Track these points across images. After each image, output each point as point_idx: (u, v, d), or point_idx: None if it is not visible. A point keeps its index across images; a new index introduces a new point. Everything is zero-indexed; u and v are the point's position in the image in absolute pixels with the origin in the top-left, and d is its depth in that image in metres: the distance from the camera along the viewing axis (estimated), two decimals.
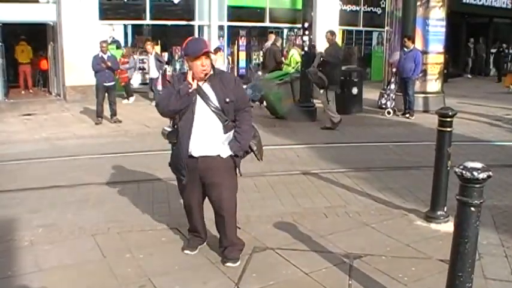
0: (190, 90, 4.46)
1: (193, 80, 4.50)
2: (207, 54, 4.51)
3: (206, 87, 4.59)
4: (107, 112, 13.06)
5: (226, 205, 4.72)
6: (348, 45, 23.13)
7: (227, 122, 4.63)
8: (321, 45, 18.50)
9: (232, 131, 4.66)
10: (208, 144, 4.61)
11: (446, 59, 20.44)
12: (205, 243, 5.17)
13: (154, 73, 15.81)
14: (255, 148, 4.88)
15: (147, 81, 19.71)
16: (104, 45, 13.15)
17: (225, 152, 4.65)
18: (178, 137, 4.63)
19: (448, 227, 5.44)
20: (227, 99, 4.57)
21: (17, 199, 6.89)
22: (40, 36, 18.47)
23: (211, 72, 4.60)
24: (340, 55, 12.22)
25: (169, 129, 4.72)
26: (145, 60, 17.59)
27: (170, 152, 4.89)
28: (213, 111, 4.57)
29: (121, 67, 15.68)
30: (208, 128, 4.60)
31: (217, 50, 16.15)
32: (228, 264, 4.77)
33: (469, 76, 26.89)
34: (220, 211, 4.74)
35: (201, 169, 4.65)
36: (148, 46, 16.12)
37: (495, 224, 5.80)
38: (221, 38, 19.30)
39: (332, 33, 12.36)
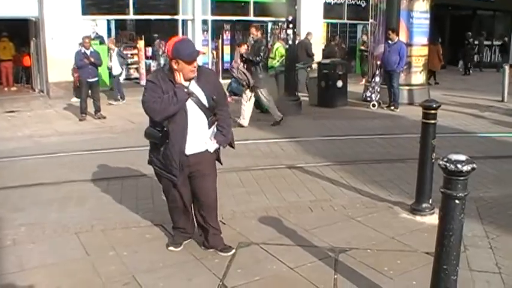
0: (186, 91, 4.45)
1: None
2: (197, 55, 4.54)
3: (194, 86, 4.57)
4: (90, 108, 12.94)
5: (213, 195, 4.83)
6: (332, 36, 23.10)
7: (211, 117, 4.67)
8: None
9: (214, 125, 4.72)
10: (198, 141, 4.63)
11: (438, 52, 20.57)
12: (190, 239, 5.14)
13: (117, 70, 15.58)
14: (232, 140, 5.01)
15: (132, 76, 19.73)
16: (87, 40, 13.03)
17: (212, 146, 4.71)
18: (169, 138, 4.54)
19: (434, 219, 5.42)
20: (214, 96, 4.62)
21: (0, 197, 6.82)
22: (22, 32, 18.28)
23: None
24: (262, 52, 11.46)
25: (157, 131, 4.57)
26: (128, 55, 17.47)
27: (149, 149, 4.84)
28: (201, 108, 4.58)
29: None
30: (197, 126, 4.60)
31: None
32: (228, 253, 4.86)
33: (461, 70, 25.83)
34: (208, 201, 4.80)
35: (191, 165, 4.65)
36: (111, 44, 15.98)
37: (480, 215, 5.82)
38: (205, 32, 19.20)
39: (257, 27, 11.84)
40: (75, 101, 15.14)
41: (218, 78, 5.03)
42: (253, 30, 11.58)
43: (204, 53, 4.80)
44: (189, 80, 4.53)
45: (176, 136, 4.52)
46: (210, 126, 4.69)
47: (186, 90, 4.45)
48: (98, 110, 12.98)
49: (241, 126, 11.32)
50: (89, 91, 12.93)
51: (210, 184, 4.80)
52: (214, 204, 4.89)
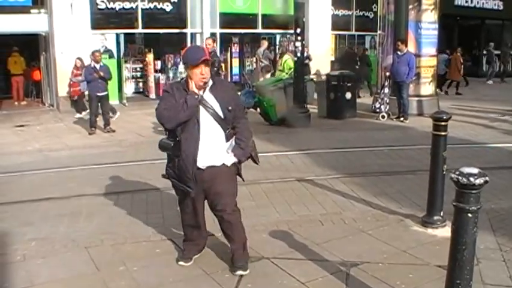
0: (198, 100, 4.43)
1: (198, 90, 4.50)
2: (206, 62, 4.44)
3: (208, 96, 4.54)
4: (100, 122, 13.00)
5: (230, 211, 4.69)
6: (340, 49, 23.12)
7: (228, 130, 4.61)
8: (314, 50, 18.66)
9: (233, 138, 4.65)
10: (213, 154, 4.56)
11: (458, 62, 20.52)
12: (200, 254, 5.10)
13: None
14: (253, 153, 4.86)
15: (141, 89, 19.78)
16: (97, 54, 13.09)
17: (229, 160, 4.63)
18: (182, 149, 4.53)
19: (445, 231, 5.39)
20: (229, 107, 4.55)
21: (9, 212, 6.82)
22: (32, 46, 18.42)
23: (211, 80, 4.57)
24: (216, 64, 11.42)
25: (169, 142, 4.60)
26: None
27: (165, 162, 4.82)
28: (215, 120, 4.52)
29: (73, 79, 15.43)
30: (212, 138, 4.54)
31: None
32: (239, 272, 4.73)
33: (491, 82, 25.06)
34: (227, 218, 4.69)
35: (207, 180, 4.59)
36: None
37: (492, 227, 5.76)
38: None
39: (213, 39, 11.65)
40: (78, 116, 15.18)
41: (235, 89, 5.00)
42: (208, 41, 11.36)
43: (209, 60, 4.64)
44: (203, 88, 4.50)
45: (189, 147, 4.49)
46: (227, 139, 4.62)
47: (196, 97, 4.42)
48: (107, 123, 13.02)
49: None
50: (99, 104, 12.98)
51: (227, 201, 4.66)
52: (234, 221, 4.73)
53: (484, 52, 27.33)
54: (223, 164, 4.61)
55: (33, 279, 4.76)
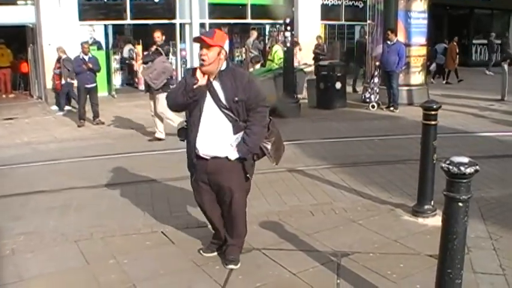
0: (195, 86, 4.31)
1: (203, 76, 4.37)
2: (202, 43, 4.34)
3: (216, 84, 4.40)
4: (89, 114, 12.92)
5: (235, 207, 4.59)
6: (330, 40, 23.12)
7: (237, 122, 4.42)
8: (303, 40, 18.61)
9: (242, 132, 4.45)
10: (216, 144, 4.43)
11: (453, 51, 20.53)
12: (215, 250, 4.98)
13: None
14: (269, 150, 4.63)
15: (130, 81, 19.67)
16: (86, 45, 13.00)
17: (233, 154, 4.46)
18: (188, 134, 4.53)
19: (436, 220, 5.40)
20: (236, 98, 4.35)
21: None
22: (19, 39, 18.26)
23: (224, 67, 4.42)
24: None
25: (183, 126, 4.65)
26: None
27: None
28: (221, 110, 4.39)
29: (55, 71, 15.09)
30: (216, 128, 4.41)
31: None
32: (230, 266, 4.67)
33: (491, 73, 23.99)
34: (229, 213, 4.63)
35: (211, 171, 4.51)
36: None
37: (483, 216, 5.77)
38: None
39: (162, 32, 11.34)
40: (55, 109, 15.05)
41: (254, 81, 4.63)
42: (157, 34, 11.13)
43: (208, 43, 4.47)
44: (212, 75, 4.38)
45: (191, 132, 4.47)
46: (236, 132, 4.44)
47: (195, 82, 4.31)
48: (96, 115, 12.94)
49: (158, 139, 10.48)
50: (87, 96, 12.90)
51: (230, 197, 4.53)
52: (235, 217, 4.63)
53: (485, 42, 27.21)
54: (226, 157, 4.46)
55: (22, 273, 4.71)
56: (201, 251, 4.99)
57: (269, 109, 4.62)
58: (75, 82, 13.74)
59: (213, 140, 4.43)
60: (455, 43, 21.53)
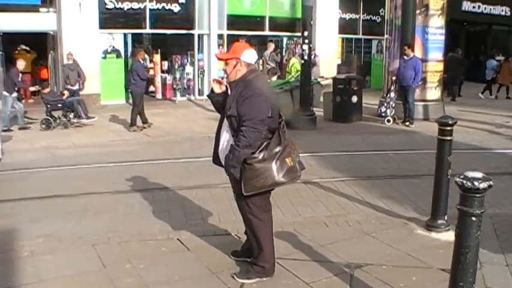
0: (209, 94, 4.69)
1: (220, 86, 4.65)
2: (223, 60, 4.65)
3: (231, 93, 4.51)
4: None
5: (245, 219, 4.67)
6: (347, 53, 23.20)
7: (234, 133, 4.44)
8: (321, 53, 18.69)
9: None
10: (223, 152, 4.55)
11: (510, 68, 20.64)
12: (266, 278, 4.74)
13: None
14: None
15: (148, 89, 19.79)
16: (141, 52, 13.95)
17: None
18: None
19: (449, 235, 5.42)
20: (228, 112, 4.42)
21: (17, 209, 6.90)
22: (40, 45, 18.50)
23: (236, 78, 4.50)
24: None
25: None
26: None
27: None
28: (227, 118, 4.54)
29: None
30: (225, 136, 4.57)
31: None
32: (235, 277, 4.67)
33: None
34: (245, 224, 4.73)
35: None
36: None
37: (496, 232, 5.78)
38: (220, 47, 19.33)
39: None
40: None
41: (251, 99, 4.32)
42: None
43: (223, 59, 4.61)
44: (230, 85, 4.57)
45: (215, 138, 4.70)
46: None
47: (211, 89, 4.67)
48: (145, 121, 13.37)
49: None
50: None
51: (240, 205, 4.59)
52: (247, 229, 4.69)
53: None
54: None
55: (40, 275, 4.81)
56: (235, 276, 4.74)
57: (284, 121, 4.63)
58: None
59: (222, 147, 4.59)
60: (510, 60, 21.57)
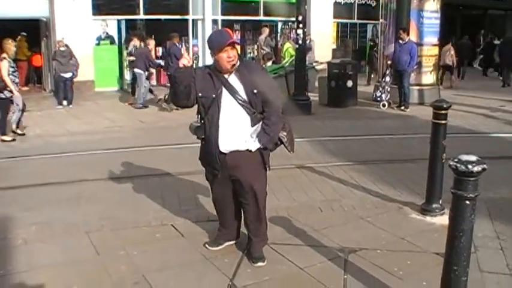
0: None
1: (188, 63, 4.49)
2: (232, 44, 4.38)
3: (233, 79, 4.45)
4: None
5: (259, 198, 4.64)
6: (342, 38, 23.12)
7: (255, 114, 4.47)
8: (315, 38, 18.62)
9: (260, 123, 4.49)
10: (237, 138, 4.48)
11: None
12: (233, 242, 5.05)
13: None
14: (285, 140, 4.67)
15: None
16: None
17: (254, 145, 4.52)
18: (205, 132, 4.54)
19: (444, 219, 5.41)
20: (254, 90, 4.40)
21: (10, 197, 6.86)
22: (33, 32, 18.35)
23: (238, 63, 4.46)
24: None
25: (197, 124, 4.64)
26: None
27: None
28: (240, 103, 4.43)
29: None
30: (235, 122, 4.46)
31: None
32: (258, 264, 4.67)
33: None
34: (255, 206, 4.66)
35: (231, 166, 4.54)
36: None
37: (490, 216, 5.78)
38: None
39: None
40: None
41: (266, 73, 4.89)
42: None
43: (237, 43, 4.56)
44: (227, 72, 4.43)
45: (211, 129, 4.48)
46: (254, 124, 4.48)
47: (182, 68, 4.44)
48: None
49: None
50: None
51: (252, 188, 4.57)
52: (258, 208, 4.67)
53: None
54: (248, 149, 4.51)
55: (34, 262, 4.79)
56: (206, 245, 5.05)
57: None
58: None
59: (233, 134, 4.47)
60: None
